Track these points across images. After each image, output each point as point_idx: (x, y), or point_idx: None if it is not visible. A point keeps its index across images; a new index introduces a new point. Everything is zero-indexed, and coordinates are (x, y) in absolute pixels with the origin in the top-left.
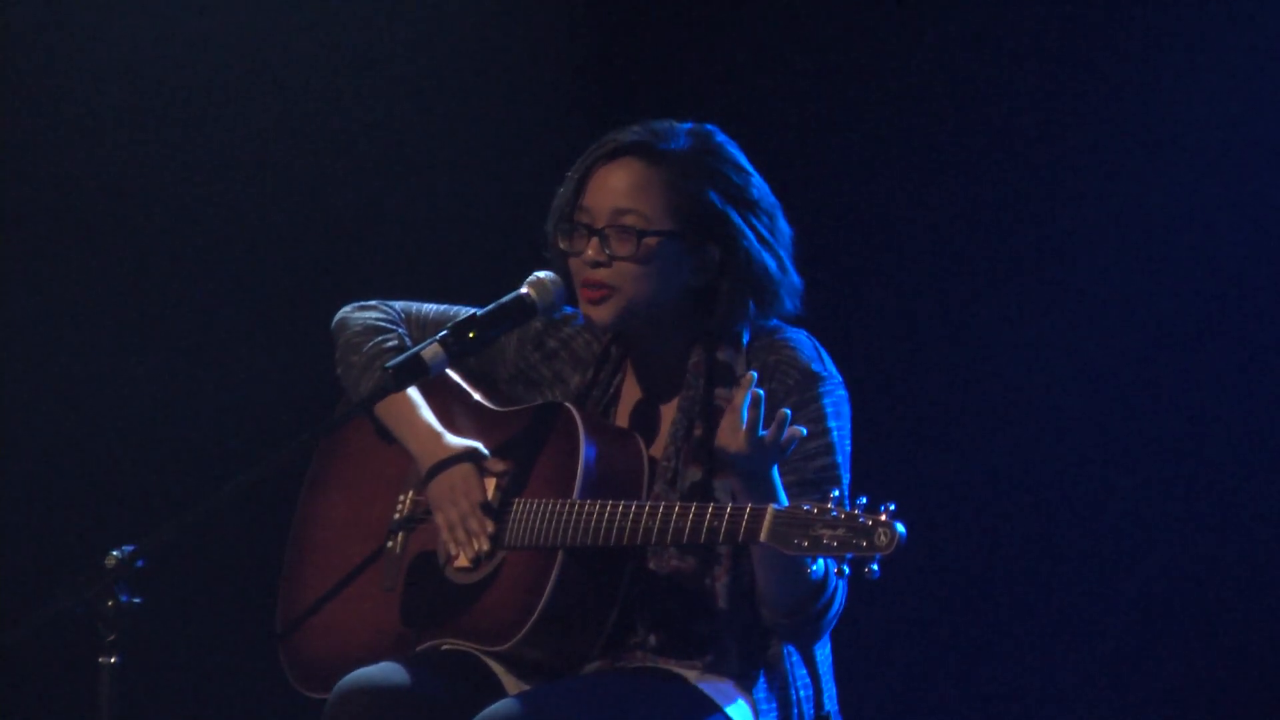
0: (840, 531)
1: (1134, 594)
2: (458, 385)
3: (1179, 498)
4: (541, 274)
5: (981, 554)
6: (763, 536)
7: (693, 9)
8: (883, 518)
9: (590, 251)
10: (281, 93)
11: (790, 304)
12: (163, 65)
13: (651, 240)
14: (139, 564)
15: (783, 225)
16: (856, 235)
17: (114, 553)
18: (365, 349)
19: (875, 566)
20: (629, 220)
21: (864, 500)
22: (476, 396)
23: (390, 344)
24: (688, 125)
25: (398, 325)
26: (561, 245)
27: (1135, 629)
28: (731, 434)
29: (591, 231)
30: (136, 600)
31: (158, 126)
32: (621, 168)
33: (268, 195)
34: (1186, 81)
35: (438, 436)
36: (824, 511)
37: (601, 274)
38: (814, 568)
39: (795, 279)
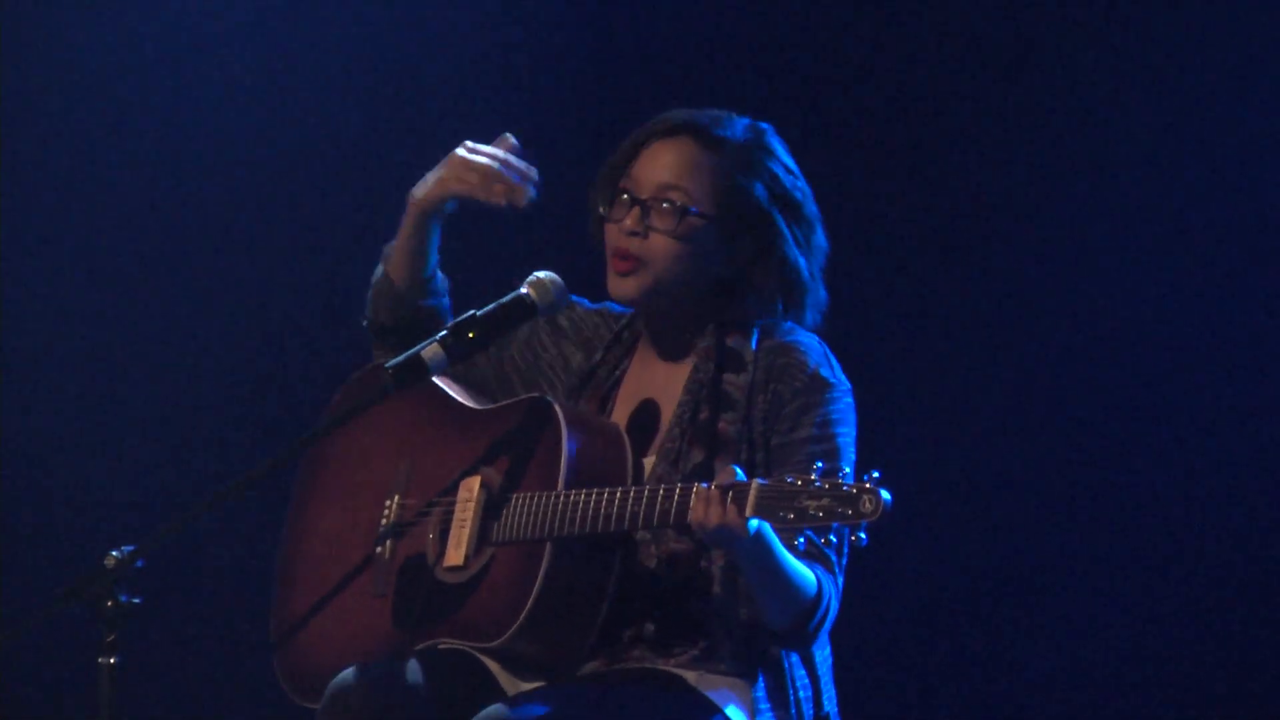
0: (825, 501)
1: (1134, 593)
2: (438, 388)
3: (1180, 494)
4: (541, 274)
5: (981, 554)
6: (748, 511)
7: (692, 10)
8: (867, 485)
9: (629, 221)
10: (280, 95)
11: (812, 317)
12: (161, 66)
13: (694, 220)
14: (139, 564)
15: (820, 239)
16: (856, 234)
17: (114, 553)
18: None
19: (863, 534)
20: (674, 196)
21: (847, 469)
22: (457, 398)
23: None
24: (746, 120)
25: None
26: (601, 210)
27: (1135, 627)
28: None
29: (634, 201)
30: (136, 600)
31: (157, 128)
32: (676, 145)
33: (268, 196)
34: (1187, 81)
35: None
36: (808, 483)
37: (635, 245)
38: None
39: (822, 292)
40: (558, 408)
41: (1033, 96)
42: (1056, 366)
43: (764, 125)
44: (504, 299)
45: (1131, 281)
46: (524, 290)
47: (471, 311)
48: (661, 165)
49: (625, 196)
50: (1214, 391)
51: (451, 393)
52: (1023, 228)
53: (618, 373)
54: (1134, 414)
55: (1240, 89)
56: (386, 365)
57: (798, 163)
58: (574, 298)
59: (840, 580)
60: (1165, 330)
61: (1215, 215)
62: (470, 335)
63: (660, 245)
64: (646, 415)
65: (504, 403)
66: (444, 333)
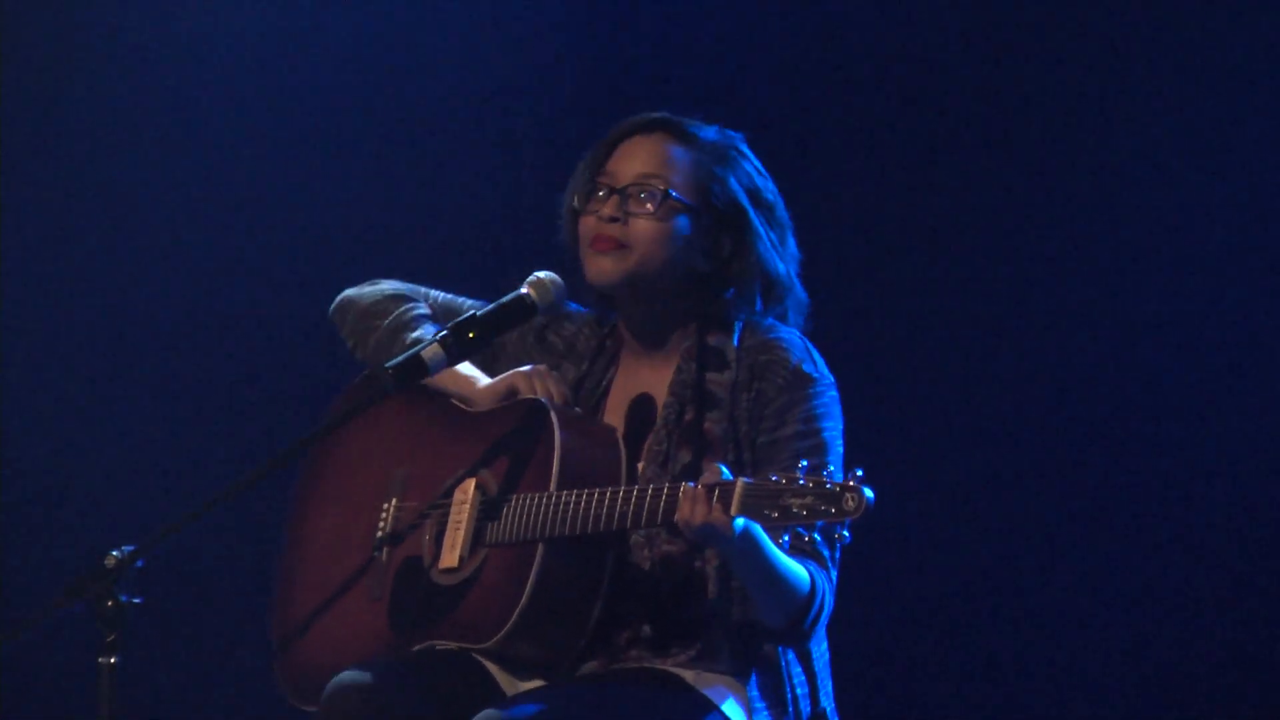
0: (809, 499)
1: (1134, 593)
2: (436, 391)
3: (1179, 491)
4: (541, 274)
5: (978, 551)
6: (733, 510)
7: (692, 11)
8: (850, 483)
9: (608, 209)
10: (281, 95)
11: (794, 319)
12: (162, 66)
13: (674, 203)
14: (139, 564)
15: (792, 244)
16: (846, 230)
17: (114, 553)
18: (394, 313)
19: (846, 531)
20: (654, 183)
21: (831, 468)
22: (452, 400)
23: (418, 311)
24: (716, 125)
25: (417, 296)
26: (577, 205)
27: (1132, 625)
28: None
29: (613, 191)
30: (136, 600)
31: (158, 127)
32: (651, 140)
33: (269, 197)
34: (1186, 81)
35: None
36: (792, 481)
37: (616, 229)
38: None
39: (802, 294)
40: (551, 409)
41: (1028, 91)
42: (1057, 365)
43: (734, 133)
44: (504, 299)
45: (1129, 279)
46: (524, 290)
47: (471, 312)
48: (639, 158)
49: (603, 188)
50: (1214, 391)
51: (449, 395)
52: (1015, 222)
53: (604, 383)
54: (1133, 412)
55: (1240, 89)
56: (386, 365)
57: (792, 158)
58: (570, 304)
59: (834, 575)
60: (1164, 328)
61: (1215, 215)
62: (470, 335)
63: (642, 227)
64: (644, 415)
65: (500, 405)
66: (444, 333)
